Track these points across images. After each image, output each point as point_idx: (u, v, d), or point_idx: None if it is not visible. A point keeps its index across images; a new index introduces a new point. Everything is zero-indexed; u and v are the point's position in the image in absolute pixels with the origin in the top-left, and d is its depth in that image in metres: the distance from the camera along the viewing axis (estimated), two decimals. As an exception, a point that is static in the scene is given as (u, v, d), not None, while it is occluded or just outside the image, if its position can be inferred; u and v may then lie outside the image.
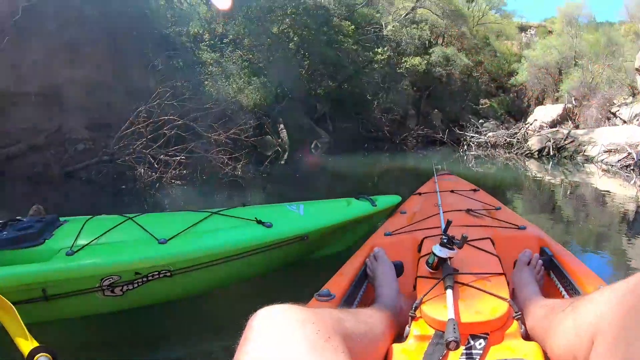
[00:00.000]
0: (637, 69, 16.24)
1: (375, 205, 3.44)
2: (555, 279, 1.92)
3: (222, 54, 12.85)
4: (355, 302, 1.81)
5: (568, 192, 8.76)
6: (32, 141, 7.71)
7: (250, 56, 13.72)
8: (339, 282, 1.86)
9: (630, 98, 17.74)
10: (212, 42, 13.26)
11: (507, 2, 30.75)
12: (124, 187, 6.27)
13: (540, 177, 11.12)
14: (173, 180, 6.55)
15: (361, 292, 1.91)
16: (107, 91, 9.00)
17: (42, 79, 8.23)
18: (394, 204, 3.58)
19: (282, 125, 14.08)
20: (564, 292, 1.79)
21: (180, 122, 7.17)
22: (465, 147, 16.58)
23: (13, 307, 1.70)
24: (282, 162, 11.79)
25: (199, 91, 10.57)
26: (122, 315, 2.63)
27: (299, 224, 3.03)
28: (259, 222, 2.90)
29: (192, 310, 2.86)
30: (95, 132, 8.40)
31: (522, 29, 33.16)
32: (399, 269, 1.92)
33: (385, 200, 3.58)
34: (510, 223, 2.47)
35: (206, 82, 11.51)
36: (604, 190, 8.89)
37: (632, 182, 10.02)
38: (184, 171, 7.15)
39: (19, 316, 1.67)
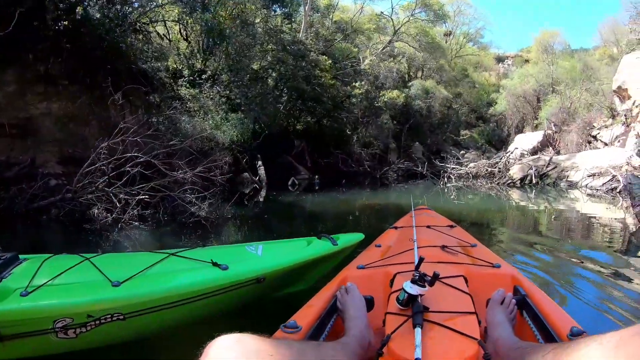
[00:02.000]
0: (614, 91, 16.57)
1: (336, 245, 3.36)
2: (528, 319, 1.90)
3: (200, 89, 12.88)
4: (322, 335, 1.78)
5: (552, 220, 8.75)
6: (2, 174, 7.57)
7: (228, 92, 13.77)
8: (307, 313, 1.84)
9: (610, 120, 18.03)
10: (190, 77, 13.32)
11: (483, 35, 31.52)
12: (87, 225, 6.14)
13: (524, 205, 11.13)
14: (131, 222, 6.41)
15: (329, 325, 1.87)
16: (82, 125, 8.94)
17: (16, 110, 8.15)
18: (356, 242, 3.53)
19: (259, 162, 14.04)
20: (536, 333, 1.78)
21: (143, 160, 7.06)
22: (446, 179, 16.65)
23: None
24: (260, 199, 11.70)
25: (174, 127, 10.55)
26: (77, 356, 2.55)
27: (256, 266, 2.96)
28: (215, 264, 2.83)
29: (148, 349, 2.81)
30: (68, 167, 8.28)
31: (500, 59, 33.90)
32: (369, 303, 1.90)
33: (347, 239, 3.51)
34: (484, 261, 2.46)
35: (183, 118, 11.48)
36: (589, 216, 8.88)
37: (619, 205, 10.03)
38: (147, 211, 7.03)
39: None
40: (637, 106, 14.80)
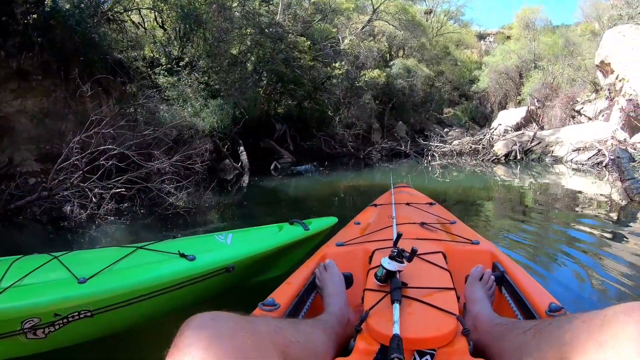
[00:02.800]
0: (597, 66, 16.59)
1: (308, 230, 3.34)
2: (506, 295, 1.93)
3: (179, 77, 12.73)
4: (301, 313, 1.80)
5: (537, 195, 8.76)
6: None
7: (207, 78, 13.62)
8: (286, 291, 1.84)
9: (593, 95, 18.09)
10: (168, 65, 13.15)
11: (464, 12, 31.43)
12: (64, 224, 6.04)
13: (509, 182, 11.12)
14: (107, 217, 6.27)
15: (309, 303, 1.90)
16: (59, 120, 8.78)
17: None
18: (330, 226, 3.52)
19: (242, 148, 13.93)
20: (515, 309, 1.80)
21: (116, 152, 6.94)
22: (430, 157, 16.64)
23: None
24: (243, 184, 11.61)
25: (152, 117, 10.41)
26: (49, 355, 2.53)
27: (224, 255, 2.93)
28: (182, 255, 2.80)
29: (121, 344, 2.79)
30: (47, 164, 8.10)
31: (481, 37, 33.89)
32: (348, 280, 1.92)
33: (319, 224, 3.49)
34: (463, 237, 2.48)
35: (161, 107, 11.34)
36: (574, 191, 8.92)
37: (605, 179, 10.07)
38: (124, 204, 6.90)
39: None
40: (620, 80, 14.81)
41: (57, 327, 2.39)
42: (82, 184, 6.41)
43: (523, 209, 7.37)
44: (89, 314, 2.44)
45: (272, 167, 13.51)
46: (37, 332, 2.37)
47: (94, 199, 6.33)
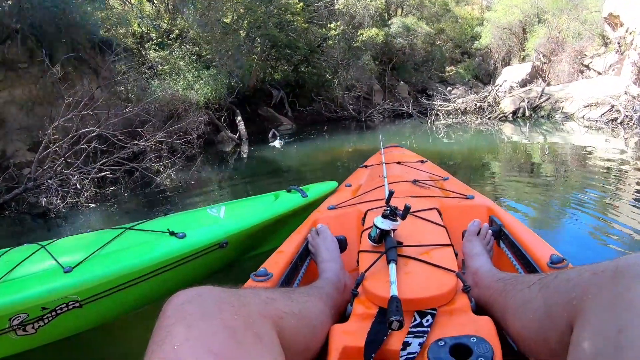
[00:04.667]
0: (605, 18, 16.20)
1: (306, 196, 3.23)
2: (505, 250, 1.90)
3: (170, 51, 12.52)
4: (296, 281, 1.78)
5: (546, 153, 8.56)
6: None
7: (197, 49, 13.40)
8: (278, 260, 1.79)
9: (602, 48, 17.66)
10: (159, 39, 12.93)
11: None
12: (52, 214, 5.88)
13: (516, 140, 10.89)
14: (88, 204, 6.10)
15: (303, 270, 1.87)
16: (49, 107, 8.66)
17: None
18: (330, 191, 3.39)
19: (239, 118, 13.76)
20: (515, 263, 1.77)
21: (95, 134, 6.74)
22: (433, 117, 16.39)
23: None
24: (243, 155, 11.48)
25: (144, 94, 10.25)
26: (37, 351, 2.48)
27: (217, 230, 2.82)
28: (172, 233, 2.69)
29: (111, 335, 2.73)
30: (64, 150, 8.06)
31: (482, -9, 33.27)
32: (342, 244, 1.90)
33: (318, 189, 3.38)
34: (457, 193, 2.44)
35: (154, 82, 11.18)
36: (586, 149, 8.62)
37: (620, 136, 9.82)
38: (113, 187, 6.77)
39: None
40: (630, 33, 14.43)
41: (46, 321, 2.35)
42: (65, 171, 6.26)
43: (531, 167, 7.23)
44: (77, 304, 2.39)
45: (269, 135, 13.31)
46: (27, 328, 2.32)
47: (78, 185, 6.17)
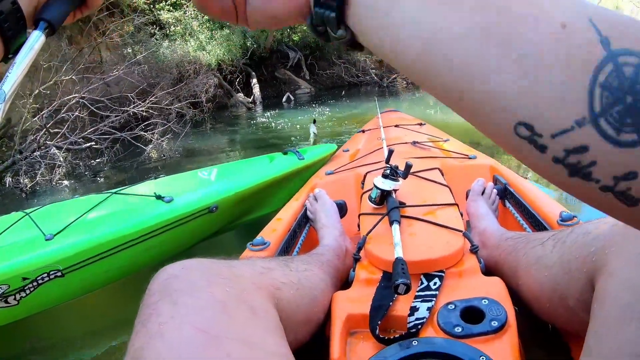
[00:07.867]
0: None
1: (303, 159, 3.11)
2: (511, 208, 1.88)
3: (184, 11, 12.37)
4: (295, 250, 1.76)
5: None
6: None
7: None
8: (275, 228, 1.78)
9: None
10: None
11: None
12: (39, 187, 5.90)
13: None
14: (60, 181, 6.06)
15: (302, 238, 1.85)
16: (55, 73, 8.64)
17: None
18: (328, 154, 3.28)
19: (254, 80, 13.61)
20: (522, 222, 1.75)
21: (74, 100, 6.69)
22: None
23: None
24: (257, 119, 11.33)
25: (153, 55, 10.18)
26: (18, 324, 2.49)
27: (206, 193, 2.75)
28: (158, 197, 2.64)
29: (97, 304, 2.74)
30: (48, 119, 8.06)
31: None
32: (342, 208, 1.88)
33: (316, 152, 3.25)
34: (459, 153, 2.44)
35: (164, 44, 11.09)
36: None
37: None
38: (96, 160, 6.80)
39: None
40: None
41: (27, 292, 2.34)
42: (49, 142, 6.22)
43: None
44: (59, 273, 2.37)
45: (284, 99, 13.15)
46: (9, 300, 2.31)
47: (61, 158, 6.12)
